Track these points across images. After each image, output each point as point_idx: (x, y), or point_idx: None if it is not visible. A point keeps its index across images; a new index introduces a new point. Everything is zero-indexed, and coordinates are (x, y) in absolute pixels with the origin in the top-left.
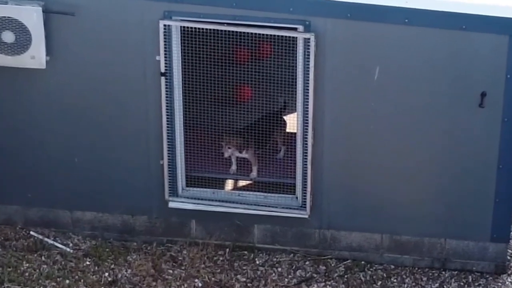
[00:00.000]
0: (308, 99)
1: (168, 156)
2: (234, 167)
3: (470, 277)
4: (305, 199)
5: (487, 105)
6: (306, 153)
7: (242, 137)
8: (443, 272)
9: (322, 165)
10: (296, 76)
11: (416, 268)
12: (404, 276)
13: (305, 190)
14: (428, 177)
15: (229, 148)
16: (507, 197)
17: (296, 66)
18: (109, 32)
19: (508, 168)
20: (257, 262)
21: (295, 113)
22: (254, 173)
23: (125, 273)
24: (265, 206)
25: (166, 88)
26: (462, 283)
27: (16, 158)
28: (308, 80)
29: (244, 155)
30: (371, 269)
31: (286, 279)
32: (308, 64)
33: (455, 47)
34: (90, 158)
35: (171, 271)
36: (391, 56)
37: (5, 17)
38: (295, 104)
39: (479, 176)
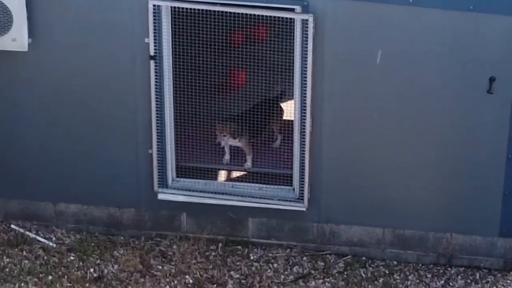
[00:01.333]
0: (306, 85)
1: (158, 145)
2: (227, 156)
3: (477, 274)
4: (302, 191)
5: (496, 91)
6: (304, 142)
7: (236, 123)
8: (449, 269)
9: (321, 155)
10: (293, 60)
11: (420, 265)
12: (408, 273)
13: (303, 182)
14: (433, 168)
15: (224, 135)
16: None
17: (293, 50)
18: (95, 13)
19: None
20: (252, 258)
21: (293, 100)
22: (248, 163)
23: (112, 269)
24: (260, 198)
25: (156, 72)
26: (469, 280)
27: None
28: (306, 64)
29: (237, 143)
30: (372, 265)
31: (282, 276)
32: (306, 48)
33: (462, 29)
34: (75, 147)
35: (160, 267)
36: (395, 39)
37: None
38: (293, 90)
39: (487, 167)
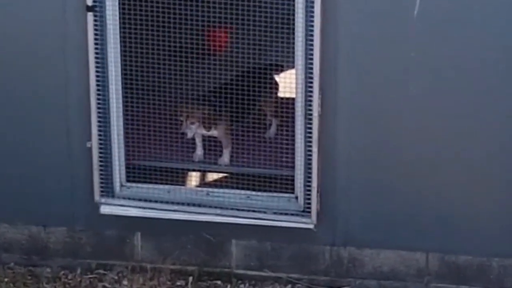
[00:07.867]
0: (312, 46)
1: (99, 136)
2: (199, 152)
3: None
4: (309, 200)
5: None
6: (311, 129)
7: (210, 106)
8: None
9: (335, 148)
10: (294, 13)
11: None
12: None
13: (309, 187)
14: (497, 168)
15: (191, 123)
16: None
17: None
18: None
19: None
20: None
21: (293, 70)
22: (225, 159)
23: None
24: (249, 211)
25: (96, 30)
26: None
27: None
28: (312, 18)
29: (212, 132)
30: None
31: None
32: None
33: None
34: None
35: None
36: None
37: None
38: (293, 55)
39: None
